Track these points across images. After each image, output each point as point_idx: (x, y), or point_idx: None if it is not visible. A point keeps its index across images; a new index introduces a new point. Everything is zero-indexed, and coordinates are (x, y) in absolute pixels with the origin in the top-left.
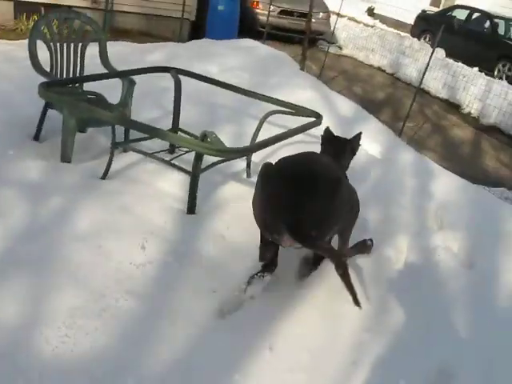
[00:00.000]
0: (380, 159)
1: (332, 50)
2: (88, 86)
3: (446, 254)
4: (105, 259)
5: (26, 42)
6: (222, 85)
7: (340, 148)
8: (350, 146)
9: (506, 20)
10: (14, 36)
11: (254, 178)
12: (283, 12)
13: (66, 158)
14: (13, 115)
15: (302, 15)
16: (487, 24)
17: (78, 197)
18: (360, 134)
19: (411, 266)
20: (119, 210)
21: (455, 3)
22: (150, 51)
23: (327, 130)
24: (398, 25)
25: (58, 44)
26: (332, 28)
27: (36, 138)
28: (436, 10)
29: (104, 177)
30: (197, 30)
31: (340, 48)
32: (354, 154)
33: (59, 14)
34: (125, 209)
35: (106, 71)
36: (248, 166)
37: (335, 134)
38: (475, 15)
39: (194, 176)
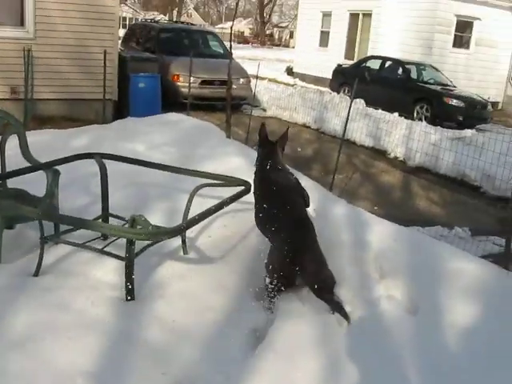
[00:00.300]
0: (313, 217)
1: (256, 112)
2: (12, 179)
3: (389, 303)
4: (45, 365)
5: None
6: (148, 164)
7: (273, 149)
8: (281, 145)
9: (417, 65)
10: None
11: (191, 255)
12: (204, 82)
13: None
14: None
15: (223, 83)
16: (400, 70)
17: (10, 298)
18: (287, 129)
19: (358, 320)
20: (56, 307)
21: (368, 54)
22: (75, 136)
23: (263, 131)
24: (317, 81)
25: None
26: (253, 91)
27: None
28: (351, 62)
29: (37, 273)
30: (120, 109)
31: (264, 110)
32: (283, 150)
33: None
34: (62, 305)
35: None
36: (183, 242)
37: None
38: (388, 63)
39: (129, 262)
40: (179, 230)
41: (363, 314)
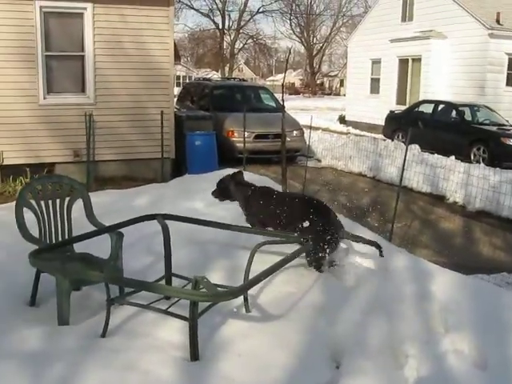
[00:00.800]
0: (375, 270)
1: (311, 163)
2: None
3: (456, 358)
4: None
5: (13, 204)
6: (208, 224)
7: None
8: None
9: (470, 106)
10: (3, 199)
11: (254, 313)
12: (258, 136)
13: (63, 320)
14: (7, 283)
15: (277, 136)
16: (454, 113)
17: (79, 360)
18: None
19: (425, 378)
20: (124, 367)
21: (419, 99)
22: (136, 196)
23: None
24: (370, 128)
25: (44, 208)
26: (307, 143)
27: (32, 303)
28: (403, 108)
29: (104, 334)
30: (178, 167)
31: (319, 161)
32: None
33: (42, 180)
34: (129, 366)
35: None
36: (245, 300)
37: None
38: (441, 107)
39: (192, 323)
40: (242, 291)
41: (430, 369)
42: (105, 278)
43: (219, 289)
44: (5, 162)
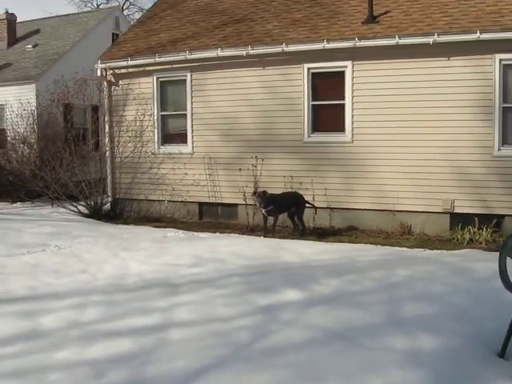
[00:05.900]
0: None
1: None
2: None
3: None
4: None
5: (464, 252)
6: None
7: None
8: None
9: None
10: (451, 246)
11: None
12: None
13: None
14: (472, 328)
15: None
16: None
17: None
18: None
19: None
20: None
21: None
22: None
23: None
24: None
25: None
26: None
27: (501, 354)
28: None
29: None
30: None
31: None
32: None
33: None
34: None
35: None
36: None
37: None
38: None
39: None
40: None
41: None
42: None
43: None
44: (455, 210)
